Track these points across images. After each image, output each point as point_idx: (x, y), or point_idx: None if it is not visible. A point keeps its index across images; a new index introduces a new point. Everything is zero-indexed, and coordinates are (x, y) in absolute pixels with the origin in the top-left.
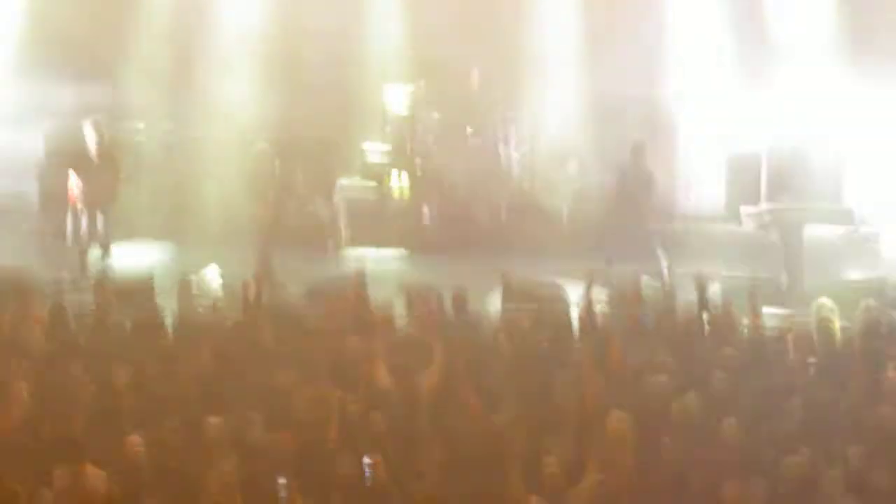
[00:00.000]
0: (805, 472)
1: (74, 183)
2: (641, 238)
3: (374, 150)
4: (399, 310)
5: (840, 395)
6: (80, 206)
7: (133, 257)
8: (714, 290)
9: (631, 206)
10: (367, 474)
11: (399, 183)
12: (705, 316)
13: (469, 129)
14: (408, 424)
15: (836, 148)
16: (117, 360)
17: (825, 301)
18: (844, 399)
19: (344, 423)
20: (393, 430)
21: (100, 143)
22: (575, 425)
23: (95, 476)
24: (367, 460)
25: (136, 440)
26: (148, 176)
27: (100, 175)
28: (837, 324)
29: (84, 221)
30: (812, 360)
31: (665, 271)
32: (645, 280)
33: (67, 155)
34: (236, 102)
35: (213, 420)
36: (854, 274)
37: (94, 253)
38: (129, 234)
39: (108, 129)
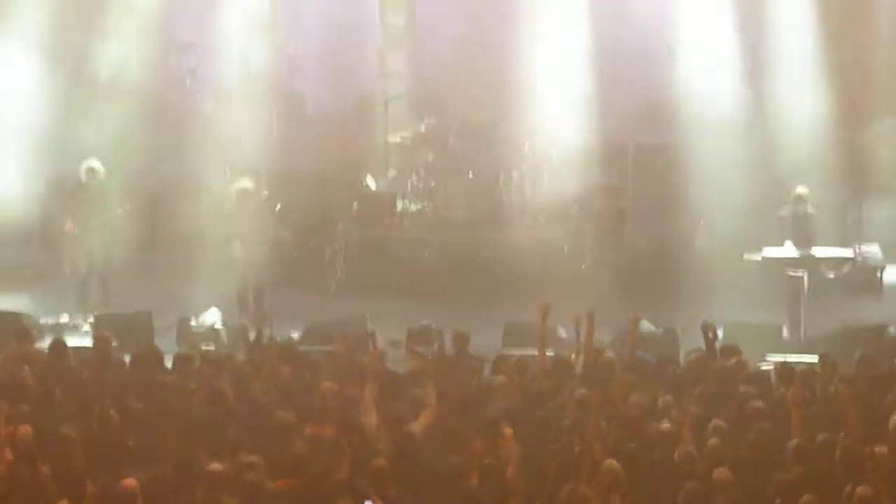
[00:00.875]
0: None
1: (70, 218)
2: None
3: (376, 188)
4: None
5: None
6: (75, 242)
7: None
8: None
9: (609, 243)
10: None
11: (400, 222)
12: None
13: (471, 169)
14: (407, 465)
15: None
16: (116, 397)
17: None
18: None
19: (347, 465)
20: (393, 473)
21: (95, 179)
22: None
23: None
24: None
25: (131, 483)
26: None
27: (94, 211)
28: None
29: (80, 259)
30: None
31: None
32: (645, 325)
33: (64, 191)
34: (234, 136)
35: (215, 466)
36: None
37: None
38: (127, 272)
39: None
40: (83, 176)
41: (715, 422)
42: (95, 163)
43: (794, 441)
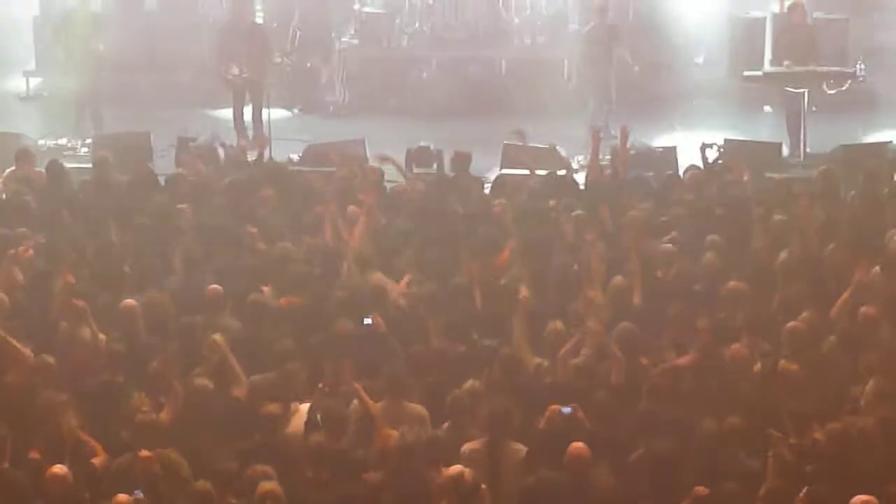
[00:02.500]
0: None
1: (62, 47)
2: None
3: (373, 9)
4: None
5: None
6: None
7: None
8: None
9: (601, 64)
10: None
11: (399, 42)
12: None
13: None
14: None
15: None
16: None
17: (829, 167)
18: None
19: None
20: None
21: (82, 10)
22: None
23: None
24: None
25: (131, 304)
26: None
27: (86, 39)
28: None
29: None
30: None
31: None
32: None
33: (57, 17)
34: None
35: (214, 287)
36: (857, 137)
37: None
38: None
39: None
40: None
41: (711, 238)
42: None
43: (787, 253)
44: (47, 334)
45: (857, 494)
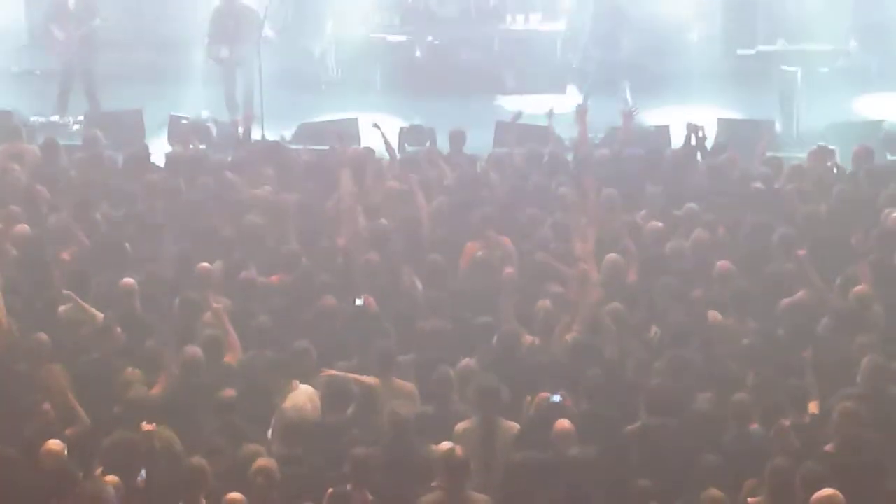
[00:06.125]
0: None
1: (55, 30)
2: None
3: None
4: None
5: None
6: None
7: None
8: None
9: (608, 43)
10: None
11: (391, 21)
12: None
13: None
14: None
15: None
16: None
17: (823, 144)
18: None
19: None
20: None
21: None
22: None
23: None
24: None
25: (129, 282)
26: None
27: (75, 20)
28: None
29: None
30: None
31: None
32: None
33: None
34: None
35: (205, 265)
36: (850, 115)
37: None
38: (118, 73)
39: None
40: None
41: (705, 217)
42: None
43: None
44: (42, 311)
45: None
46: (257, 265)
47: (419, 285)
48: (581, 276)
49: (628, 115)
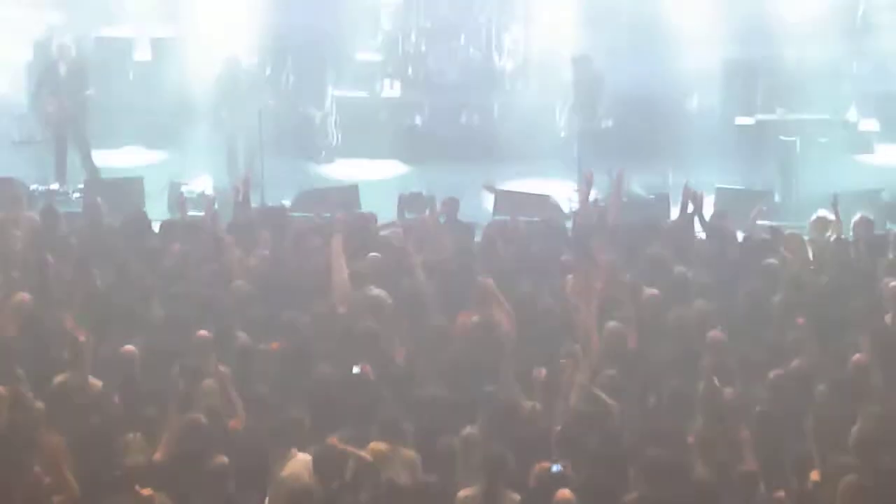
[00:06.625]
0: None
1: (45, 98)
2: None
3: (367, 56)
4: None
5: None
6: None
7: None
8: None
9: (585, 114)
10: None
11: (391, 89)
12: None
13: (462, 36)
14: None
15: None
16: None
17: (823, 213)
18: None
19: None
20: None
21: (66, 60)
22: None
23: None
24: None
25: (130, 350)
26: (136, 80)
27: (67, 90)
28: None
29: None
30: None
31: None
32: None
33: (39, 71)
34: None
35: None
36: (851, 184)
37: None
38: (118, 140)
39: (76, 44)
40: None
41: (702, 281)
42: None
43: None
44: (42, 379)
45: None
46: (247, 331)
47: (415, 353)
48: (582, 343)
49: (619, 178)
